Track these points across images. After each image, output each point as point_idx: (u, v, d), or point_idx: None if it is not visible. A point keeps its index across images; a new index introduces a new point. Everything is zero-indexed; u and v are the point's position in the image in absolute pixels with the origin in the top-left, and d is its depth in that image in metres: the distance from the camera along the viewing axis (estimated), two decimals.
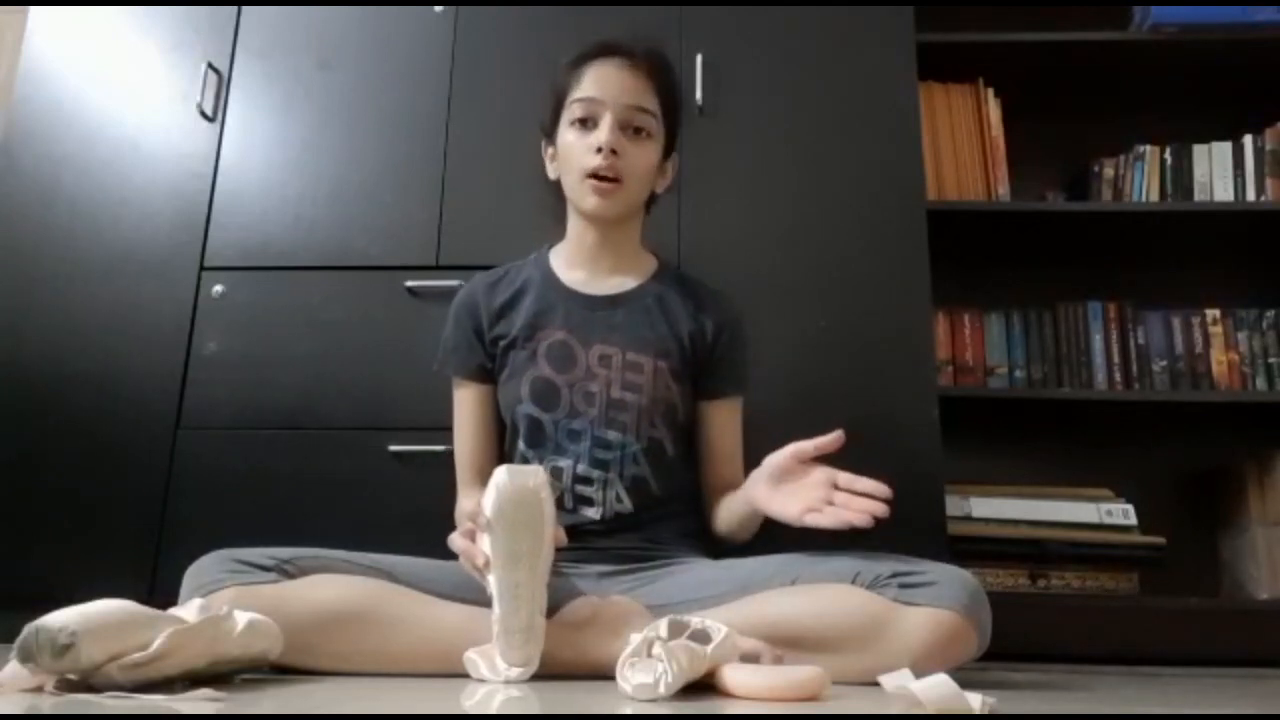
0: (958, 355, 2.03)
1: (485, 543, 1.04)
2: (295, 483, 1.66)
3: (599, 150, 1.28)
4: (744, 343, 1.39)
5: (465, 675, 1.05)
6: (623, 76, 1.32)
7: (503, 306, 1.38)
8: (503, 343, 1.36)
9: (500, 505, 1.02)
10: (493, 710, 0.84)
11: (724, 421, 1.37)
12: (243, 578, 1.10)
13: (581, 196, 1.32)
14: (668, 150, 1.39)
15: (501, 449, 1.38)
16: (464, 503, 1.07)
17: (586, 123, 1.31)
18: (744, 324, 1.40)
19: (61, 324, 1.77)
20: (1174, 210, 1.95)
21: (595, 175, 1.29)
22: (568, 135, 1.33)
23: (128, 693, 0.79)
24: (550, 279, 1.39)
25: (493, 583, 1.03)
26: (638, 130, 1.32)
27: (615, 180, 1.29)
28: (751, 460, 1.39)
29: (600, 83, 1.31)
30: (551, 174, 1.39)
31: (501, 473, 1.04)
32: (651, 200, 1.42)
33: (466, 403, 1.39)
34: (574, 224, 1.39)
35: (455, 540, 1.08)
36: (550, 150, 1.39)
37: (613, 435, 1.30)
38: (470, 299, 1.40)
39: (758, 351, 1.43)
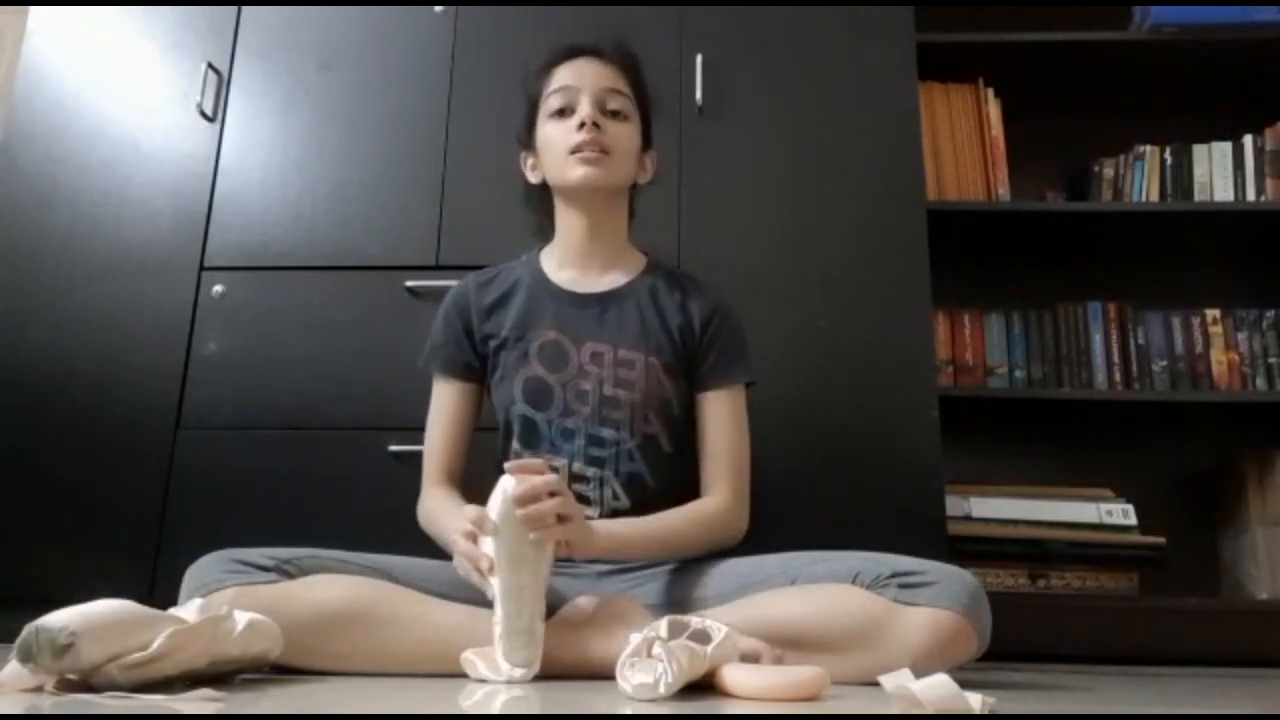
0: (958, 355, 2.03)
1: (488, 545, 1.04)
2: (295, 483, 1.66)
3: (580, 126, 1.29)
4: (732, 333, 1.36)
5: (465, 675, 1.05)
6: (594, 66, 1.35)
7: (492, 306, 1.38)
8: (493, 342, 1.36)
9: (506, 509, 1.03)
10: (493, 710, 0.84)
11: (712, 413, 1.34)
12: (242, 578, 1.10)
13: (569, 171, 1.31)
14: (645, 143, 1.40)
15: (468, 452, 1.38)
16: (466, 509, 1.07)
17: (564, 112, 1.33)
18: (732, 314, 1.38)
19: (61, 324, 1.77)
20: (1174, 210, 1.95)
21: (581, 150, 1.29)
22: (547, 128, 1.34)
23: (128, 693, 0.79)
24: (540, 279, 1.39)
25: (495, 585, 1.03)
26: (615, 113, 1.34)
27: (603, 151, 1.30)
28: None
29: (573, 73, 1.34)
30: (534, 179, 1.39)
31: (508, 478, 1.05)
32: (634, 196, 1.42)
33: (445, 399, 1.39)
34: (563, 219, 1.39)
35: (458, 542, 1.08)
36: (530, 159, 1.40)
37: (607, 433, 1.30)
38: (461, 297, 1.40)
39: (758, 351, 1.42)
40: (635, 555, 1.24)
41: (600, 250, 1.38)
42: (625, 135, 1.34)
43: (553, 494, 1.04)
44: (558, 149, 1.32)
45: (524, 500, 1.02)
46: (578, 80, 1.33)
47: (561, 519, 1.05)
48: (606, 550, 1.17)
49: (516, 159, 1.42)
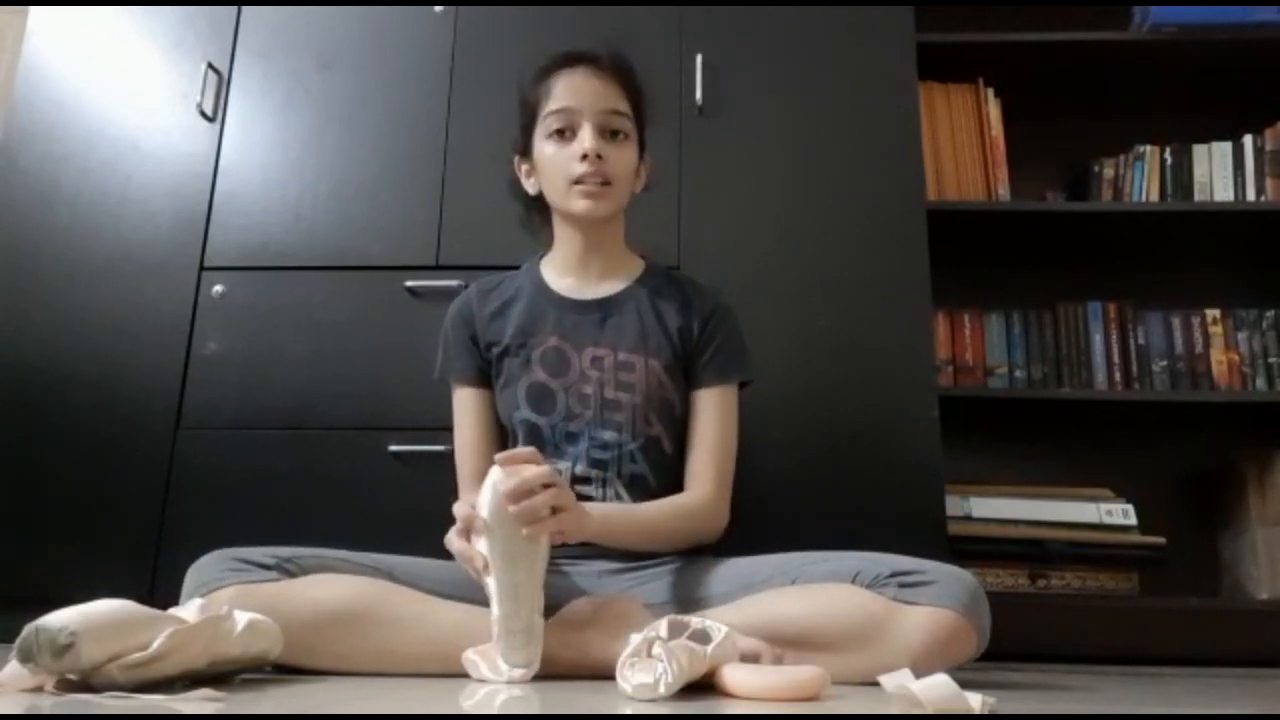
0: (958, 355, 2.03)
1: (482, 544, 1.03)
2: (295, 483, 1.66)
3: (583, 158, 1.29)
4: (729, 332, 1.37)
5: (466, 675, 1.05)
6: (593, 83, 1.33)
7: (493, 314, 1.38)
8: (496, 350, 1.37)
9: (496, 505, 1.02)
10: (493, 710, 0.84)
11: (703, 409, 1.34)
12: (243, 576, 1.10)
13: (571, 203, 1.32)
14: (640, 150, 1.40)
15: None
16: (455, 507, 1.08)
17: (565, 133, 1.32)
18: (730, 314, 1.38)
19: (61, 324, 1.77)
20: (1174, 210, 1.95)
21: (583, 181, 1.29)
22: (547, 148, 1.33)
23: (128, 693, 0.79)
24: (540, 287, 1.39)
25: (491, 584, 1.03)
26: (615, 133, 1.33)
27: (604, 183, 1.30)
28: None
29: (573, 92, 1.32)
30: (530, 189, 1.39)
31: (496, 471, 1.04)
32: (630, 202, 1.42)
33: (468, 405, 1.39)
34: (561, 231, 1.40)
35: (452, 541, 1.08)
36: (525, 166, 1.39)
37: (609, 435, 1.30)
38: (464, 306, 1.41)
39: (758, 351, 1.42)
40: (622, 541, 1.24)
41: (598, 258, 1.39)
42: (626, 159, 1.34)
43: (546, 485, 1.03)
44: (559, 176, 1.32)
45: (515, 496, 1.01)
46: (578, 101, 1.31)
47: (555, 510, 1.04)
48: (597, 535, 1.16)
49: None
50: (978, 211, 1.94)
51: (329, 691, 0.94)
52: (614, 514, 1.24)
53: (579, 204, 1.31)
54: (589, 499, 1.28)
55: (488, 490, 1.03)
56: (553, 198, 1.35)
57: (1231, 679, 1.40)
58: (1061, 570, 1.82)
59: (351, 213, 1.81)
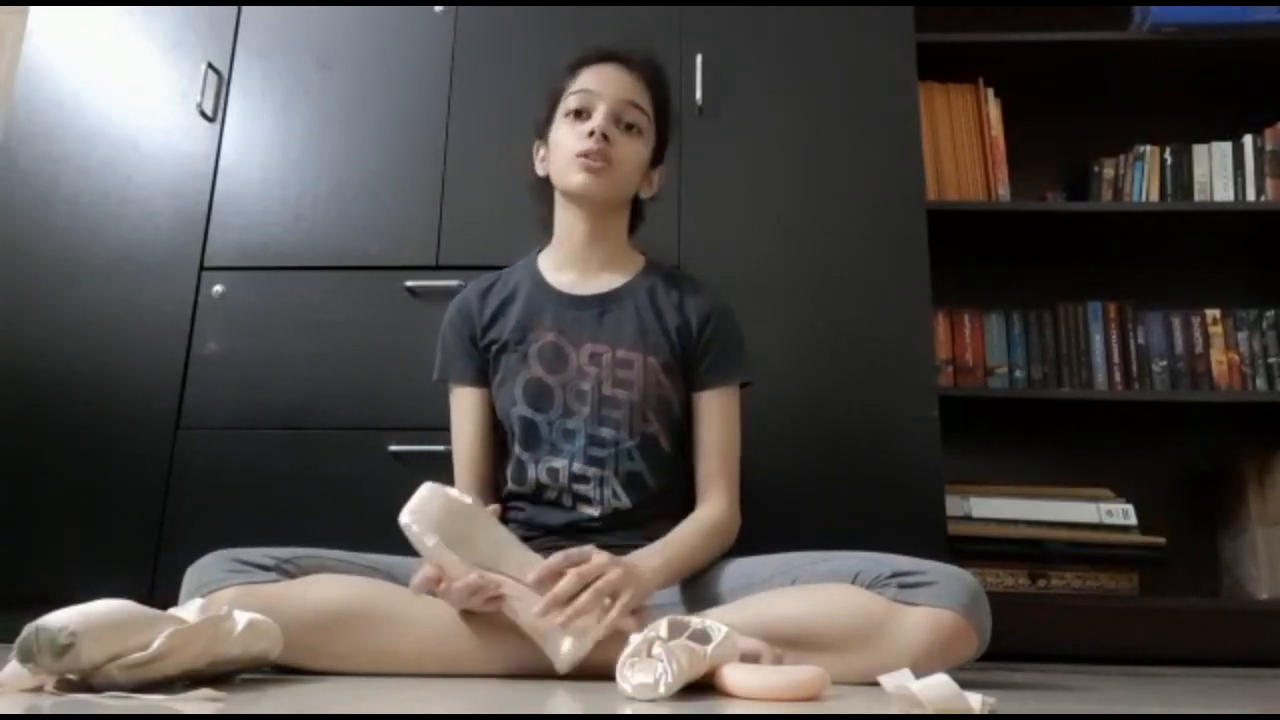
0: (958, 355, 2.03)
1: (449, 559, 1.07)
2: (295, 483, 1.66)
3: (590, 134, 1.30)
4: (729, 333, 1.37)
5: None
6: (619, 75, 1.35)
7: (494, 312, 1.38)
8: (494, 347, 1.36)
9: (439, 529, 1.07)
10: (493, 710, 0.84)
11: (708, 413, 1.34)
12: (243, 577, 1.10)
13: (570, 175, 1.32)
14: (657, 158, 1.41)
15: (499, 453, 1.39)
16: (414, 581, 1.12)
17: (581, 114, 1.33)
18: (729, 314, 1.38)
19: (61, 324, 1.77)
20: (1174, 210, 1.95)
21: (585, 156, 1.30)
22: (561, 127, 1.35)
23: (128, 693, 0.79)
24: (539, 282, 1.39)
25: (504, 584, 1.04)
26: (630, 126, 1.34)
27: (606, 163, 1.31)
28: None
29: (596, 78, 1.35)
30: (540, 171, 1.41)
31: (405, 516, 1.08)
32: (637, 208, 1.43)
33: (465, 408, 1.39)
34: (562, 219, 1.40)
35: (419, 587, 1.10)
36: (542, 150, 1.41)
37: (606, 433, 1.30)
38: (464, 306, 1.41)
39: (758, 351, 1.43)
40: (677, 581, 1.23)
41: (598, 253, 1.39)
42: (633, 151, 1.35)
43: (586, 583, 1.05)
44: (565, 151, 1.33)
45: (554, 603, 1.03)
46: (600, 85, 1.33)
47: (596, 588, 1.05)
48: (661, 586, 1.17)
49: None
50: (978, 211, 1.94)
51: (329, 691, 0.94)
52: (664, 565, 1.19)
53: (577, 177, 1.31)
54: (586, 498, 1.29)
55: (417, 533, 1.07)
56: (557, 178, 1.36)
57: (1231, 679, 1.40)
58: (1061, 570, 1.82)
59: (351, 213, 1.81)
